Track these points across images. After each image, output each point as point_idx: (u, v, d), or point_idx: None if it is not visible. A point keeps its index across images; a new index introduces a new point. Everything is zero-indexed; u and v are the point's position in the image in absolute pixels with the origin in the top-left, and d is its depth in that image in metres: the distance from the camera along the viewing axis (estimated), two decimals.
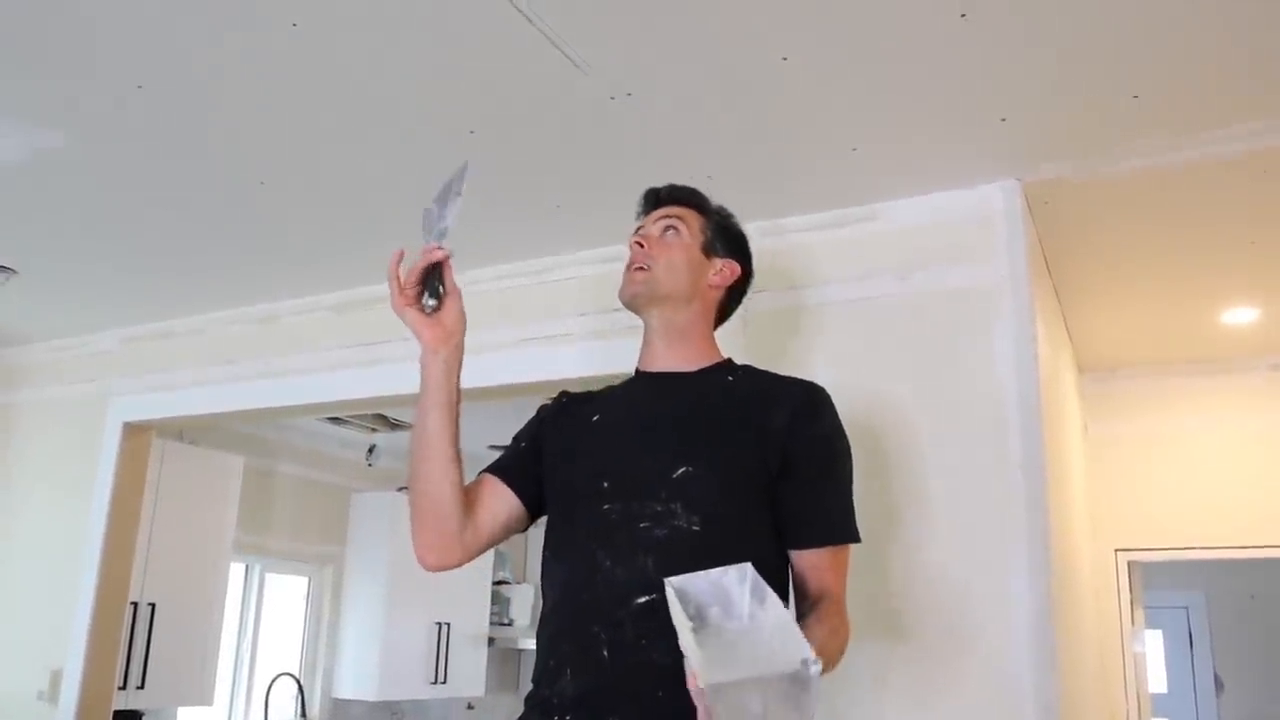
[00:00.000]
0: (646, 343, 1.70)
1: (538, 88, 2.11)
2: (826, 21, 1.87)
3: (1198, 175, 2.38)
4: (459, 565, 1.61)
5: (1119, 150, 2.30)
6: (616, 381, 1.77)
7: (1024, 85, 2.06)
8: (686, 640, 1.16)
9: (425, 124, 2.29)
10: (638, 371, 1.72)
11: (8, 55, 2.09)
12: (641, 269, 1.66)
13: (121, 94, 2.21)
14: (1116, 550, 3.91)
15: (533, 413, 1.81)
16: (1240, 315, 3.39)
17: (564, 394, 1.80)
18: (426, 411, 1.56)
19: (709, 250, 1.71)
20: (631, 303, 1.68)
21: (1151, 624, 4.65)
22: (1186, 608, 7.03)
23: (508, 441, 1.78)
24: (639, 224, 1.75)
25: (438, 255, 1.53)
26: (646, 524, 1.48)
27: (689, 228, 1.70)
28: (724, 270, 1.72)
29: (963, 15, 1.83)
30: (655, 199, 1.77)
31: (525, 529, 1.71)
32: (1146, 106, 2.12)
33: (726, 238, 1.75)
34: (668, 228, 1.70)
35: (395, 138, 2.36)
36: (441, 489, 1.56)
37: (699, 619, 1.21)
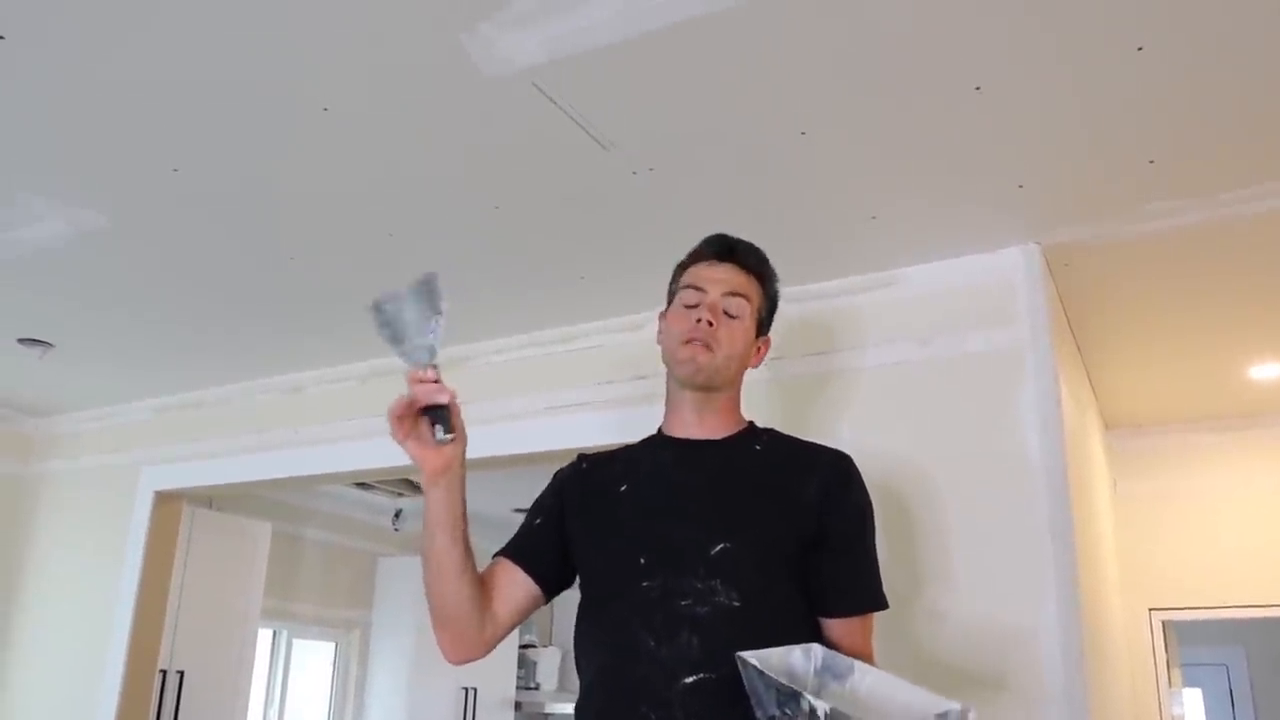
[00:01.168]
0: (675, 408, 1.64)
1: (562, 165, 2.16)
2: (843, 97, 1.91)
3: (1217, 235, 2.39)
4: (484, 656, 1.61)
5: (1137, 213, 2.32)
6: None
7: (1039, 153, 2.08)
8: (770, 713, 1.18)
9: (452, 201, 2.34)
10: (662, 434, 1.66)
11: (52, 140, 2.17)
12: (706, 348, 1.57)
13: (159, 176, 2.28)
14: (1150, 610, 3.86)
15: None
16: (1269, 370, 3.37)
17: (581, 458, 1.73)
18: (433, 533, 1.52)
19: (759, 329, 1.66)
20: (685, 382, 1.60)
21: (1190, 682, 4.57)
22: (1226, 665, 6.87)
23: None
24: (698, 274, 1.64)
25: (443, 398, 1.44)
26: (688, 601, 1.46)
27: (751, 307, 1.63)
28: (762, 349, 1.68)
29: (977, 88, 1.87)
30: (729, 252, 1.66)
31: (546, 603, 1.68)
32: (1163, 170, 2.14)
33: (773, 313, 1.70)
34: (734, 309, 1.60)
35: (423, 213, 2.41)
36: (457, 601, 1.53)
37: (793, 691, 1.24)
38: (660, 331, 1.67)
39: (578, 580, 1.65)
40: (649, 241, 2.46)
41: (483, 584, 1.57)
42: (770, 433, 1.68)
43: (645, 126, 2.02)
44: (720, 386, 1.61)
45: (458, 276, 2.73)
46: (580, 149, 2.09)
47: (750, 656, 1.26)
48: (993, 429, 2.37)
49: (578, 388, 2.95)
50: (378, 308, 1.47)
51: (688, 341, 1.57)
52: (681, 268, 1.69)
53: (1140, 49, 1.75)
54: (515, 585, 1.62)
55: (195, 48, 1.84)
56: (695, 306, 1.59)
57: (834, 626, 1.53)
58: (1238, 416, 3.80)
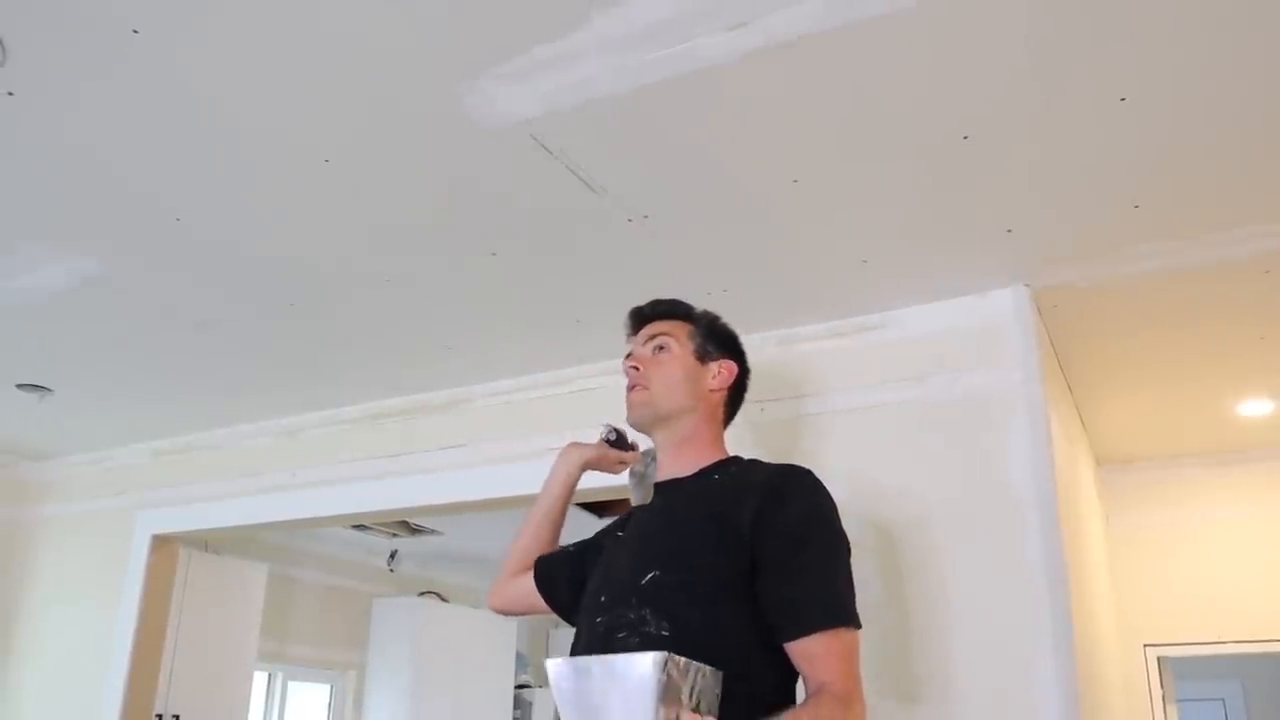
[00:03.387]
0: (662, 453, 1.75)
1: (558, 212, 2.20)
2: (834, 147, 1.95)
3: (1204, 276, 2.43)
4: (514, 613, 2.04)
5: (1124, 256, 2.36)
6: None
7: (1026, 199, 2.13)
8: None
9: (449, 248, 2.37)
10: (658, 481, 1.76)
11: (55, 190, 2.21)
12: (640, 388, 1.72)
13: (160, 225, 2.31)
14: (1145, 646, 3.87)
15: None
16: (1257, 407, 3.41)
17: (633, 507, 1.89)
18: (553, 501, 2.01)
19: (702, 356, 1.75)
20: (638, 425, 1.74)
21: (1187, 718, 4.56)
22: (1223, 700, 6.87)
23: None
24: (629, 346, 1.81)
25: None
26: (623, 634, 1.48)
27: (678, 340, 1.75)
28: (721, 372, 1.75)
29: (965, 137, 1.91)
30: (640, 317, 1.83)
31: (558, 614, 1.90)
32: (1148, 215, 2.18)
33: (718, 340, 1.79)
34: (658, 346, 1.75)
35: (420, 261, 2.44)
36: (531, 550, 1.97)
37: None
38: None
39: None
40: (644, 285, 2.47)
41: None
42: (739, 462, 1.71)
43: (640, 175, 2.06)
44: (670, 415, 1.70)
45: (454, 321, 2.76)
46: (576, 197, 2.13)
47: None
48: (985, 470, 2.40)
49: (575, 430, 2.97)
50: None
51: (627, 392, 1.74)
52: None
53: (1123, 99, 1.80)
54: (526, 580, 1.94)
55: (198, 100, 1.88)
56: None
57: (793, 652, 1.46)
58: (1228, 452, 3.83)
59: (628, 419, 1.75)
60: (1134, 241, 2.30)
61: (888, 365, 2.59)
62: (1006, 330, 2.49)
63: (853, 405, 2.60)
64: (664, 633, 1.44)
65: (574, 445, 2.03)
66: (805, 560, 1.49)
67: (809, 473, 1.60)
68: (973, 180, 2.06)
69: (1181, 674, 4.46)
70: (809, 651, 1.45)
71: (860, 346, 2.64)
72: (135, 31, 1.70)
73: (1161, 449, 3.87)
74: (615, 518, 1.85)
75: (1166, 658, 3.94)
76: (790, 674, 1.49)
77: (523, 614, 2.01)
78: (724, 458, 1.72)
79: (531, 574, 1.93)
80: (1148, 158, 1.98)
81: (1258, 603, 3.69)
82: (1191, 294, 2.54)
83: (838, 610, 1.48)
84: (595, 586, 1.65)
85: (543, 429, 3.03)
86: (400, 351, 2.96)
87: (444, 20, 1.65)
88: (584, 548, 1.86)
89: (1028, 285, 2.50)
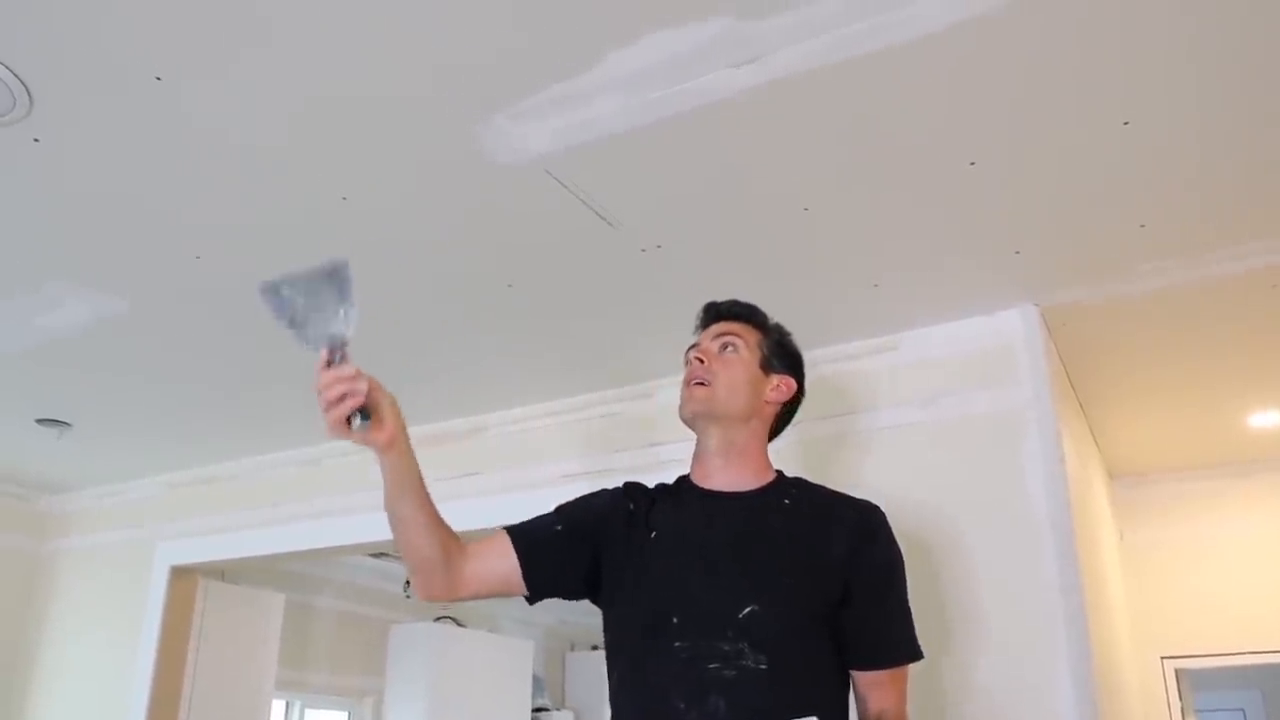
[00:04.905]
0: (701, 458, 1.69)
1: (572, 244, 2.24)
2: (844, 175, 1.99)
3: (1210, 291, 2.46)
4: (451, 600, 1.65)
5: (1131, 274, 2.39)
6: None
7: (1034, 221, 2.16)
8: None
9: (465, 280, 2.41)
10: (691, 484, 1.69)
11: (79, 231, 2.25)
12: (702, 384, 1.65)
13: (181, 263, 2.36)
14: (1163, 658, 3.87)
15: None
16: (1268, 418, 3.42)
17: (627, 485, 1.75)
18: (398, 498, 1.55)
19: (766, 367, 1.71)
20: (692, 420, 1.67)
21: None
22: (1243, 709, 6.84)
23: None
24: (695, 339, 1.75)
25: (361, 389, 1.46)
26: (715, 665, 1.48)
27: (747, 344, 1.71)
28: (780, 386, 1.72)
29: (971, 163, 1.95)
30: (715, 314, 1.78)
31: (521, 591, 1.65)
32: (1153, 233, 2.21)
33: (783, 354, 1.76)
34: (726, 344, 1.70)
35: (436, 293, 2.48)
36: (430, 553, 1.56)
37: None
38: None
39: (602, 616, 1.66)
40: (658, 313, 2.53)
41: (459, 542, 1.59)
42: (799, 483, 1.71)
43: (652, 206, 2.10)
44: (727, 416, 1.66)
45: (471, 349, 2.80)
46: (590, 228, 2.16)
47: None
48: (998, 489, 2.42)
49: (592, 455, 3.00)
50: (274, 290, 1.43)
51: (686, 384, 1.67)
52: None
53: (1126, 123, 1.83)
54: (502, 559, 1.63)
55: (218, 143, 1.93)
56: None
57: (862, 678, 1.58)
58: (1239, 463, 3.84)
59: (683, 411, 1.67)
60: (1141, 260, 2.33)
61: (899, 386, 2.62)
62: (1016, 349, 2.51)
63: (865, 426, 2.62)
64: (761, 666, 1.47)
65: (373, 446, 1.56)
66: (894, 598, 1.62)
67: (883, 513, 1.67)
68: (980, 204, 2.09)
69: (1201, 685, 4.46)
70: (880, 680, 1.58)
71: (871, 368, 2.67)
72: (158, 79, 1.74)
73: (1174, 461, 3.89)
74: (618, 492, 1.72)
75: (1184, 669, 3.94)
76: (846, 702, 1.59)
77: (485, 597, 1.69)
78: (780, 475, 1.72)
79: (488, 553, 1.63)
80: (1152, 178, 2.01)
81: (1274, 611, 3.70)
82: (1199, 309, 2.57)
83: (913, 645, 1.62)
84: (653, 602, 1.56)
85: (558, 456, 3.06)
86: (417, 381, 2.99)
87: (461, 65, 1.69)
88: (574, 529, 1.67)
89: (1037, 304, 2.52)
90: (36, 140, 1.91)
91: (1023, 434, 2.43)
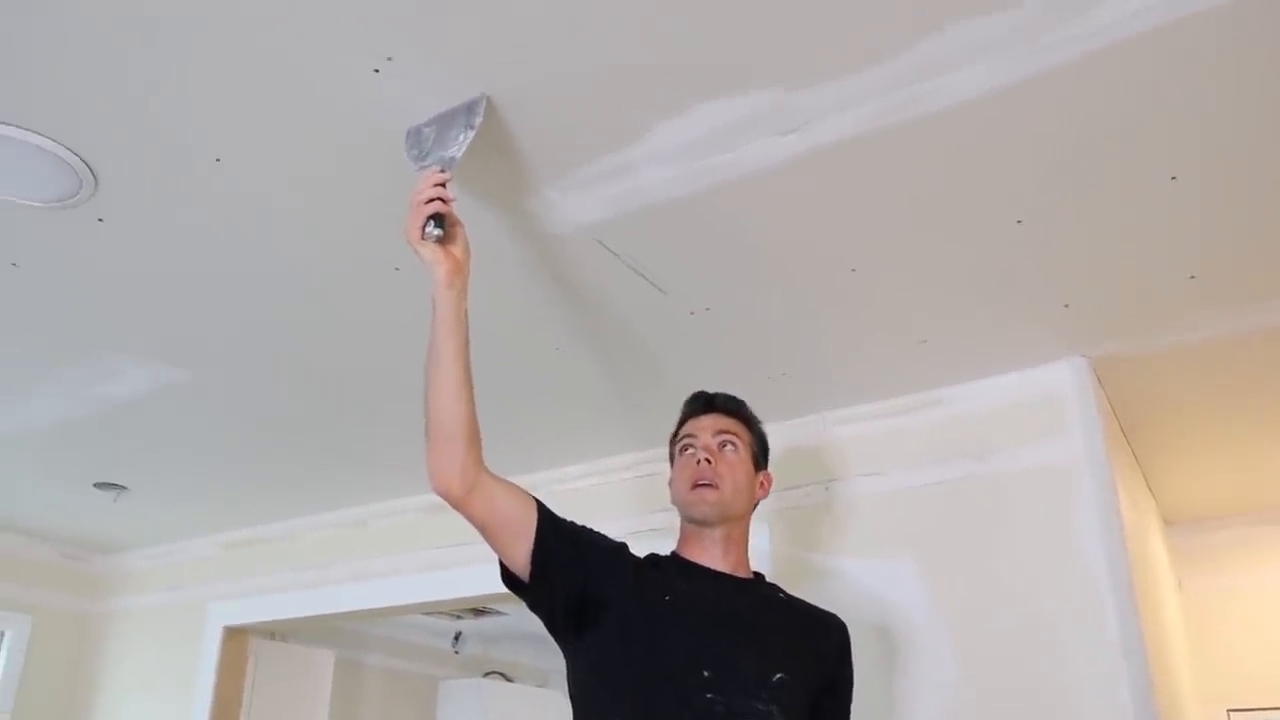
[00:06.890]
0: (701, 543, 1.78)
1: (620, 308, 2.26)
2: (891, 236, 2.00)
3: (1258, 340, 2.44)
4: (459, 496, 1.59)
5: (1181, 325, 2.36)
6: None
7: (1082, 275, 2.15)
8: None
9: (515, 344, 2.44)
10: (690, 561, 1.77)
11: (141, 307, 2.32)
12: (712, 487, 1.76)
13: (239, 334, 2.41)
14: (1229, 711, 3.77)
15: None
16: None
17: (624, 547, 1.76)
18: (444, 339, 1.61)
19: (756, 464, 1.85)
20: (703, 520, 1.77)
21: None
22: None
23: None
24: (688, 427, 1.85)
25: (443, 191, 1.56)
26: None
27: (744, 443, 1.83)
28: (764, 484, 1.88)
29: (1019, 221, 1.95)
30: (709, 405, 1.88)
31: (513, 561, 1.63)
32: (1203, 284, 2.19)
33: (765, 450, 1.90)
34: (726, 443, 1.81)
35: (485, 356, 2.49)
36: (453, 419, 1.60)
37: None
38: (670, 484, 1.85)
39: (588, 649, 1.67)
40: (705, 373, 2.52)
41: (480, 444, 1.61)
42: (770, 583, 1.87)
43: (701, 271, 2.12)
44: (735, 517, 1.79)
45: (519, 411, 2.82)
46: (638, 293, 2.19)
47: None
48: (1054, 543, 2.38)
49: (641, 514, 3.01)
50: (416, 132, 1.62)
51: (695, 486, 1.76)
52: (673, 434, 1.89)
53: (1174, 178, 1.83)
54: (520, 506, 1.63)
55: (276, 221, 1.98)
56: (692, 451, 1.80)
57: None
58: None
59: (692, 512, 1.78)
60: (1191, 311, 2.31)
61: (950, 441, 2.60)
62: (1067, 401, 2.49)
63: (915, 482, 2.60)
64: None
65: (439, 264, 1.62)
66: (851, 695, 1.84)
67: None
68: (1028, 261, 2.09)
69: None
70: None
71: (921, 424, 2.65)
72: (218, 160, 1.80)
73: (1231, 507, 3.82)
74: (613, 541, 1.74)
75: None
76: None
77: (481, 527, 1.62)
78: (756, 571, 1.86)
79: (514, 491, 1.64)
80: (1199, 231, 2.01)
81: None
82: (1250, 357, 2.54)
83: None
84: (680, 654, 1.61)
85: (606, 513, 3.05)
86: None
87: (515, 140, 1.72)
88: (588, 549, 1.68)
89: (1085, 356, 2.51)
90: (100, 220, 1.97)
91: (1077, 486, 2.40)
